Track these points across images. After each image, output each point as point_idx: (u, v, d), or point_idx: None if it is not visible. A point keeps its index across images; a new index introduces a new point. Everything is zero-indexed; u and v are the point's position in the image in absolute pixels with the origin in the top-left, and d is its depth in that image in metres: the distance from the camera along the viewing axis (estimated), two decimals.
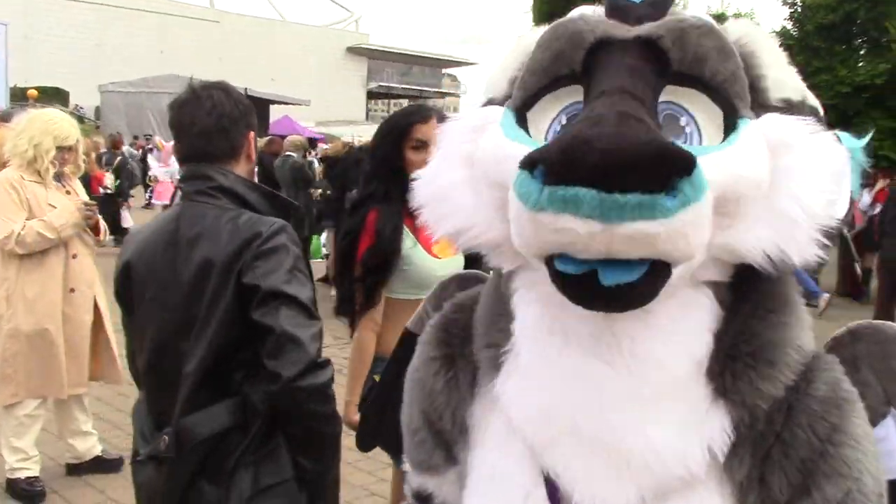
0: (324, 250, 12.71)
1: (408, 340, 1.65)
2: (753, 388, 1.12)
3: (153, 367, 2.35)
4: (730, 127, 1.14)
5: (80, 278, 4.77)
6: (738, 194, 1.08)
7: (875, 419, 1.22)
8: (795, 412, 1.14)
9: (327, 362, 2.20)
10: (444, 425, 1.38)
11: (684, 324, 1.15)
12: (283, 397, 2.16)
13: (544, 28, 1.28)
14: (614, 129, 0.98)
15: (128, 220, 15.07)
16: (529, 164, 1.00)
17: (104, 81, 37.58)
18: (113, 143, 17.09)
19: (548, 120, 1.22)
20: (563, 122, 1.20)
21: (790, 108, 1.21)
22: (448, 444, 1.40)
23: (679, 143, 1.10)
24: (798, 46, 17.73)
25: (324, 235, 12.44)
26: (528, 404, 1.22)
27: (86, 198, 5.02)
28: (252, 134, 2.45)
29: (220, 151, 2.36)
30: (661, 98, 1.14)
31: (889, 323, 1.30)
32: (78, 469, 5.00)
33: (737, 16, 21.64)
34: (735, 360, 1.14)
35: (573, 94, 1.19)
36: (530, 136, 1.21)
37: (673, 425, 1.13)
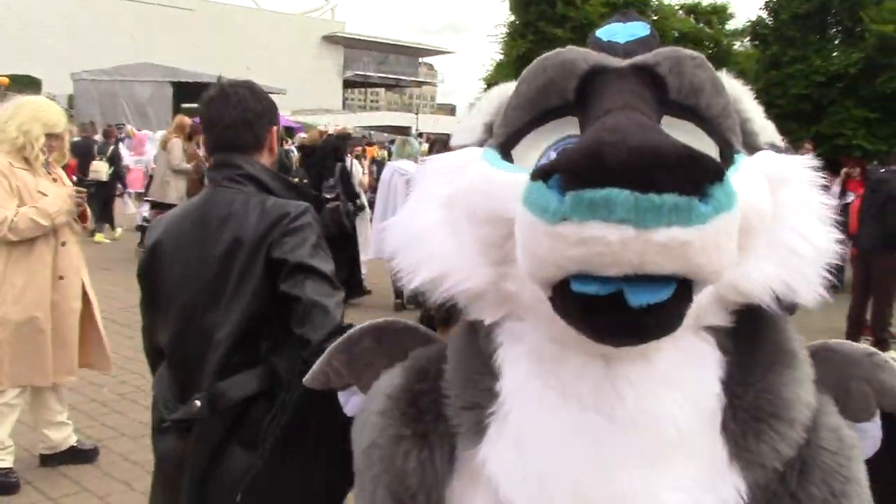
0: None
1: (304, 399, 1.51)
2: (773, 450, 1.08)
3: (179, 341, 2.49)
4: (726, 162, 1.10)
5: (68, 266, 4.75)
6: (747, 224, 1.02)
7: None
8: (809, 468, 1.10)
9: (350, 327, 2.28)
10: None
11: (690, 372, 1.08)
12: (313, 361, 2.33)
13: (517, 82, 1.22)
14: (638, 132, 0.90)
15: (130, 206, 15.05)
16: (542, 174, 0.91)
17: (77, 70, 37.21)
18: (105, 133, 17.44)
19: (534, 157, 1.13)
20: (553, 157, 1.09)
21: (777, 151, 1.20)
22: None
23: None
24: (773, 36, 17.91)
25: None
26: (521, 471, 1.11)
27: (70, 185, 5.00)
28: (275, 129, 2.63)
29: (245, 143, 2.55)
30: None
31: (847, 343, 1.29)
32: (52, 459, 4.95)
33: (712, 6, 21.75)
34: (759, 421, 1.08)
35: (563, 128, 1.13)
36: None
37: (686, 487, 1.06)
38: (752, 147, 1.18)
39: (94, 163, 14.39)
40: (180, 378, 2.47)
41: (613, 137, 0.89)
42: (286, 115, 28.92)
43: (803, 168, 1.14)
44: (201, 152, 13.78)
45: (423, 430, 1.23)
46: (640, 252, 0.88)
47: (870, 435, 1.25)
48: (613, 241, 0.87)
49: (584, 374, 1.08)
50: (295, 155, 13.51)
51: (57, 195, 4.66)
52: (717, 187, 0.89)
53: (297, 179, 11.28)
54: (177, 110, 22.39)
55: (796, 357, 1.15)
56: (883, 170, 10.41)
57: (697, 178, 0.88)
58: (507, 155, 1.14)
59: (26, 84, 30.21)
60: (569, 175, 0.88)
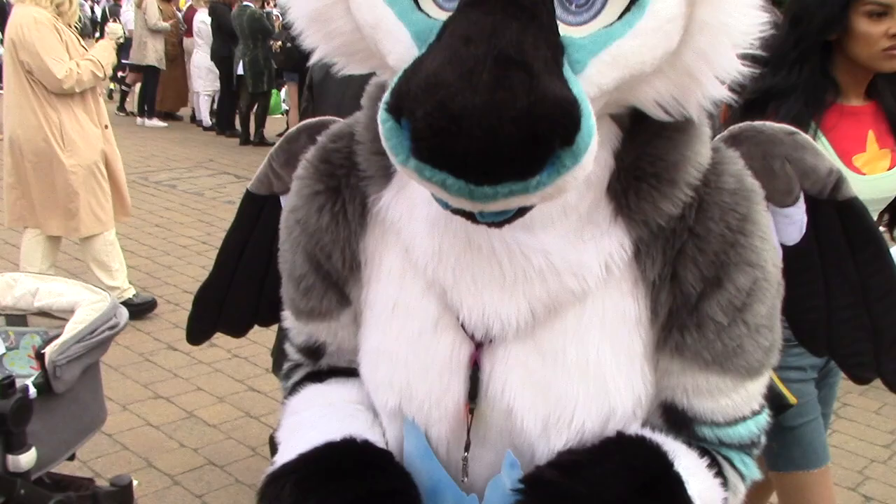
0: (284, 105, 12.48)
1: (249, 204, 1.53)
2: (655, 208, 1.10)
3: None
4: None
5: (105, 116, 5.11)
6: (639, 74, 0.98)
7: None
8: (707, 206, 1.12)
9: None
10: (334, 264, 1.26)
11: None
12: None
13: None
14: (487, 100, 0.83)
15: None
16: (395, 110, 0.88)
17: None
18: None
19: None
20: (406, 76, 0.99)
21: None
22: (339, 284, 1.29)
23: (575, 10, 0.95)
24: None
25: (283, 91, 12.19)
26: (416, 224, 1.17)
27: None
28: None
29: None
30: None
31: (768, 123, 1.27)
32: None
33: None
34: (640, 181, 1.10)
35: None
36: None
37: (571, 239, 1.10)
38: None
39: (110, 24, 14.09)
40: None
41: (458, 101, 0.83)
42: None
43: None
44: (180, 14, 13.41)
45: (335, 183, 1.26)
46: (478, 209, 0.91)
47: (796, 220, 1.28)
48: (452, 202, 0.90)
49: None
50: (278, 19, 13.10)
51: (103, 47, 5.07)
52: (565, 152, 0.86)
53: (279, 43, 10.98)
54: None
55: (690, 120, 1.12)
56: None
57: (542, 160, 0.86)
58: None
59: None
60: (412, 137, 0.87)
